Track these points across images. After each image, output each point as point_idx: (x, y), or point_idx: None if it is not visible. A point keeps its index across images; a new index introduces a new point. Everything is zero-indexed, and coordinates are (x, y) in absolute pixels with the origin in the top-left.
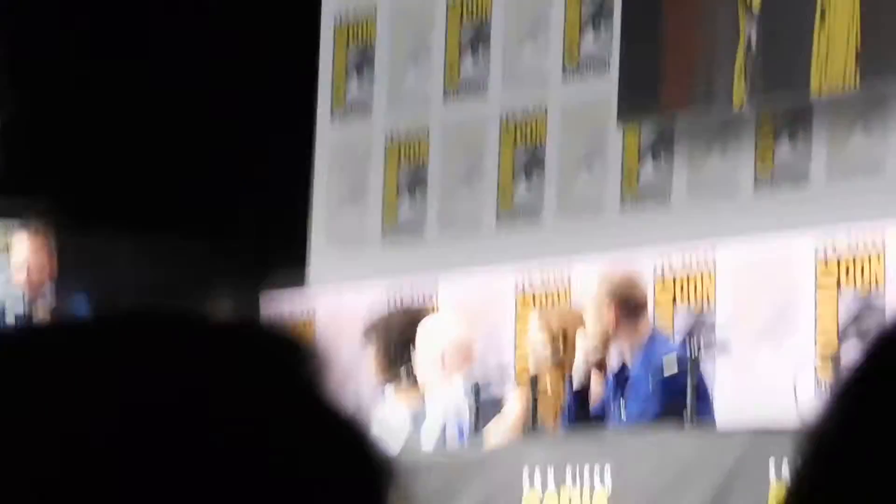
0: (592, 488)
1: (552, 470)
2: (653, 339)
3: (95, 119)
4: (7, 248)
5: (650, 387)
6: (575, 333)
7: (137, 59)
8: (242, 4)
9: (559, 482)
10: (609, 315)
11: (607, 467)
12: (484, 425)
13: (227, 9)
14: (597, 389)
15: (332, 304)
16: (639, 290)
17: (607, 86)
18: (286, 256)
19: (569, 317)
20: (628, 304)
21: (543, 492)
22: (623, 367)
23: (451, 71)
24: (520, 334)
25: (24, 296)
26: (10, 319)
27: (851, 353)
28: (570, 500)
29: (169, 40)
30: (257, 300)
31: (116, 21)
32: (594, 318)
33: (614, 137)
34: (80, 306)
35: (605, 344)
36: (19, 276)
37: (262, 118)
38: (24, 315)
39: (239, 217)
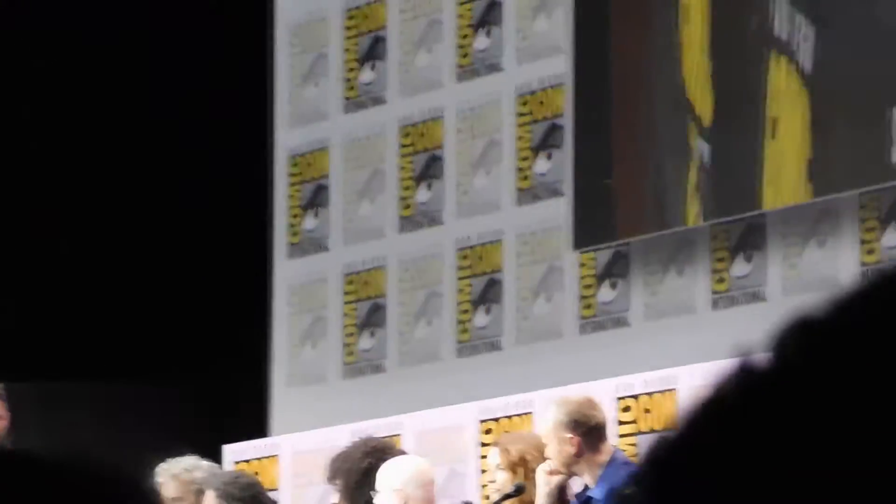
0: None
1: None
2: (614, 461)
3: (51, 266)
4: None
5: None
6: (537, 463)
7: (97, 209)
8: (192, 139)
9: None
10: (569, 440)
11: None
12: None
13: (177, 148)
14: None
15: (296, 448)
16: (597, 413)
17: (562, 210)
18: (247, 400)
19: (529, 445)
20: (587, 428)
21: None
22: (585, 491)
23: (406, 201)
24: (483, 467)
25: None
26: None
27: None
28: None
29: (109, 177)
30: (219, 449)
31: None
32: (554, 444)
33: (571, 263)
34: None
35: (567, 469)
36: None
37: (215, 258)
38: None
39: (198, 365)
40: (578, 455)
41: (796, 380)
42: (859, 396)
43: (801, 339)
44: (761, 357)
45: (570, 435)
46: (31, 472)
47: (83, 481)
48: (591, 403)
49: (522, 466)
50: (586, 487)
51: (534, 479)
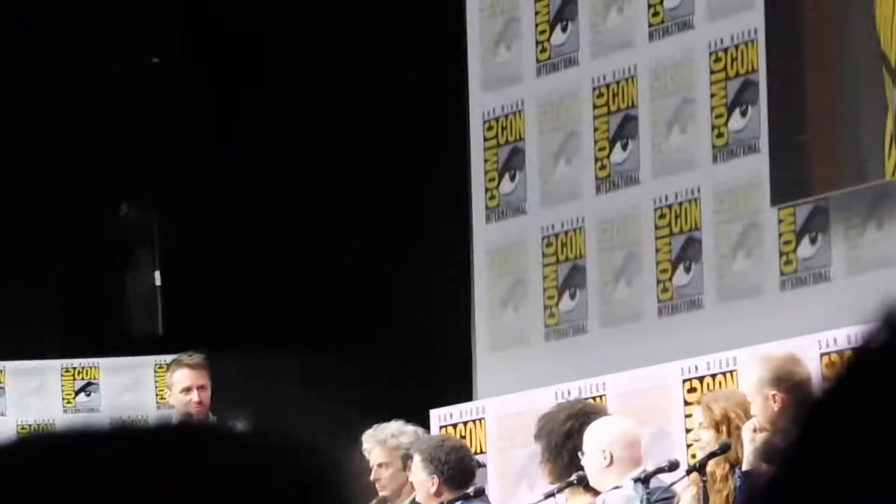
0: None
1: None
2: None
3: (247, 239)
4: (170, 384)
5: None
6: (741, 420)
7: (287, 186)
8: (390, 109)
9: None
10: (773, 396)
11: None
12: None
13: (374, 117)
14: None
15: (501, 410)
16: (802, 368)
17: (758, 167)
18: (451, 365)
19: (734, 404)
20: (792, 384)
21: None
22: None
23: (601, 161)
24: (688, 426)
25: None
26: None
27: None
28: None
29: (312, 158)
30: (425, 415)
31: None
32: (759, 401)
33: (769, 219)
34: None
35: (773, 427)
36: (179, 403)
37: (415, 225)
38: None
39: (402, 333)
40: (783, 411)
41: None
42: None
43: None
44: None
45: (774, 391)
46: (222, 444)
47: (270, 454)
48: (794, 359)
49: (727, 425)
50: None
51: (739, 437)
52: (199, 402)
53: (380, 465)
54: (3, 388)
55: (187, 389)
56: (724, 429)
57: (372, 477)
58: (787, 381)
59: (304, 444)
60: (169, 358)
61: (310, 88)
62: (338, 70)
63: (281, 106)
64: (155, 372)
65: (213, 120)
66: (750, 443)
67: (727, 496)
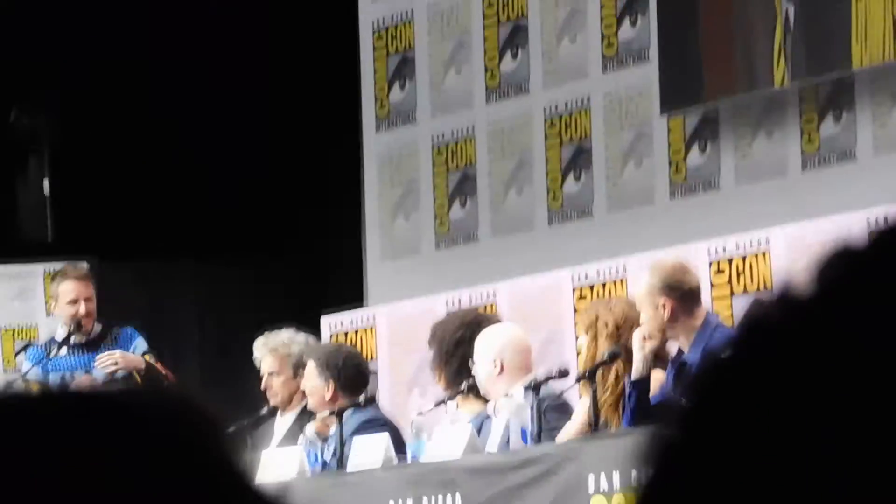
0: None
1: (617, 474)
2: (708, 324)
3: (138, 147)
4: (56, 295)
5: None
6: (631, 327)
7: (174, 87)
8: (280, 18)
9: (625, 484)
10: (663, 305)
11: None
12: (547, 427)
13: (264, 23)
14: (656, 381)
15: (392, 317)
16: (691, 276)
17: (648, 75)
18: (342, 273)
19: (623, 311)
20: (681, 292)
21: (610, 496)
22: (680, 355)
23: (492, 70)
24: (578, 333)
25: (71, 328)
26: (61, 352)
27: None
28: None
29: (206, 64)
30: (317, 321)
31: (144, 44)
32: (648, 309)
33: (659, 127)
34: (131, 338)
35: (662, 334)
36: (65, 314)
37: (305, 133)
38: (69, 346)
39: (294, 241)
40: (672, 320)
41: (835, 308)
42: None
43: (840, 268)
44: (803, 284)
45: (664, 299)
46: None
47: (147, 420)
48: (683, 268)
49: (617, 332)
50: (681, 351)
51: (629, 344)
52: (86, 313)
53: (270, 374)
54: None
55: (73, 301)
56: (614, 336)
57: (263, 385)
58: (677, 289)
59: (183, 405)
60: (59, 266)
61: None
62: None
63: (172, 18)
64: (44, 279)
65: (101, 27)
66: (639, 350)
67: (617, 403)
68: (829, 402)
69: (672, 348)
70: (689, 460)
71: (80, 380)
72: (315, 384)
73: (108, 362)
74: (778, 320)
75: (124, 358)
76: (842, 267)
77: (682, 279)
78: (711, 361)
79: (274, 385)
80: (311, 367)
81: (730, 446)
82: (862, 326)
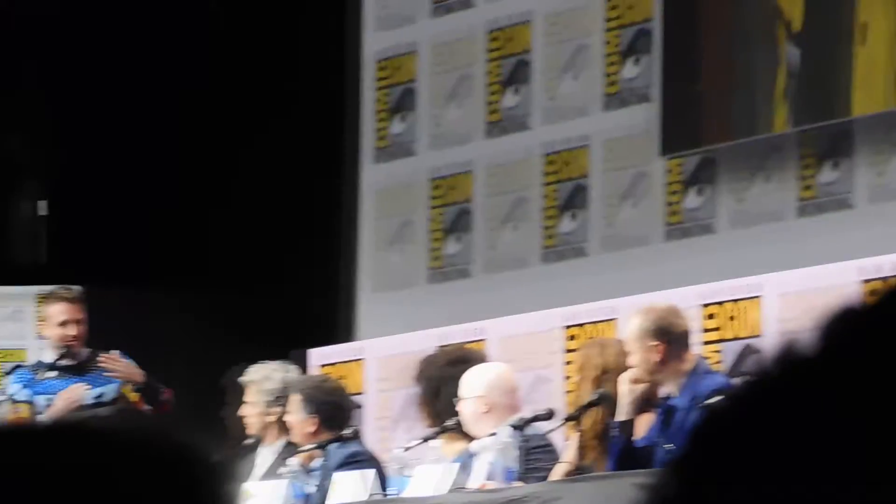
0: None
1: None
2: (698, 369)
3: (126, 176)
4: (46, 317)
5: (696, 419)
6: (619, 369)
7: (171, 115)
8: (279, 46)
9: None
10: (653, 348)
11: None
12: (532, 467)
13: (266, 52)
14: (643, 424)
15: (381, 352)
16: (682, 321)
17: (649, 116)
18: (333, 305)
19: (613, 353)
20: (672, 336)
21: None
22: (668, 399)
23: (492, 105)
24: (568, 373)
25: (59, 353)
26: (49, 374)
27: None
28: None
29: (202, 88)
30: (304, 354)
31: (139, 75)
32: (638, 352)
33: (657, 169)
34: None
35: (651, 378)
36: (54, 336)
37: (303, 163)
38: (57, 368)
39: (285, 271)
40: (662, 363)
41: (840, 366)
42: None
43: (847, 326)
44: (808, 340)
45: (655, 343)
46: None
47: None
48: (675, 311)
49: (606, 374)
50: (669, 396)
51: (617, 387)
52: (75, 336)
53: (254, 405)
54: None
55: (63, 323)
56: (603, 378)
57: (245, 415)
58: (668, 333)
59: (182, 446)
60: (50, 289)
61: (201, 28)
62: (231, 12)
63: (166, 39)
64: (36, 302)
65: (98, 52)
66: (628, 393)
67: (603, 445)
68: (835, 462)
69: (660, 391)
70: None
71: (69, 391)
72: (299, 418)
73: (111, 363)
74: (781, 376)
75: (127, 367)
76: (847, 326)
77: (673, 322)
78: (712, 415)
79: (249, 416)
80: (294, 400)
81: (728, 500)
82: (866, 387)
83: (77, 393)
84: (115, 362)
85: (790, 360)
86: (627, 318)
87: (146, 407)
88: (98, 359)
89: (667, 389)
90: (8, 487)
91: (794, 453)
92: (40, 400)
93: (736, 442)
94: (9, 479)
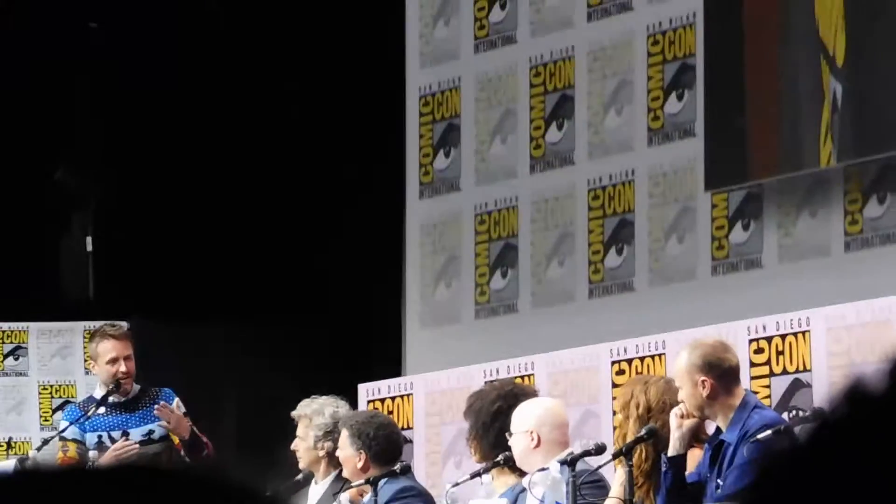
0: None
1: None
2: (747, 404)
3: (181, 207)
4: (95, 355)
5: (745, 454)
6: (663, 409)
7: (219, 149)
8: (324, 82)
9: None
10: (702, 382)
11: None
12: (583, 503)
13: (313, 86)
14: (692, 460)
15: (430, 387)
16: (730, 355)
17: (693, 150)
18: (380, 340)
19: (658, 392)
20: (721, 371)
21: None
22: (718, 434)
23: (536, 140)
24: (616, 408)
25: (110, 388)
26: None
27: None
28: None
29: (250, 127)
30: (355, 387)
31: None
32: (687, 387)
33: (703, 203)
34: (169, 400)
35: (700, 412)
36: (103, 374)
37: (350, 198)
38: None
39: (333, 307)
40: (711, 398)
41: None
42: None
43: None
44: (876, 378)
45: (703, 378)
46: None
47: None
48: (723, 346)
49: (648, 415)
50: (718, 430)
51: (666, 422)
52: (126, 373)
53: (304, 439)
54: None
55: (114, 360)
56: (652, 413)
57: (295, 450)
58: (717, 368)
59: (239, 483)
60: (98, 324)
61: (247, 66)
62: (273, 48)
63: (215, 78)
64: (84, 338)
65: (148, 89)
66: (677, 429)
67: (653, 480)
68: None
69: (710, 426)
70: None
71: (121, 447)
72: (348, 453)
73: (165, 414)
74: (851, 417)
75: (178, 421)
76: None
77: (722, 357)
78: (784, 456)
79: (299, 451)
80: (344, 436)
81: None
82: None
83: (127, 450)
84: (169, 413)
85: (858, 400)
86: (675, 352)
87: (186, 459)
88: (147, 396)
89: (716, 424)
90: None
91: (869, 498)
92: (90, 437)
93: (811, 487)
94: None
